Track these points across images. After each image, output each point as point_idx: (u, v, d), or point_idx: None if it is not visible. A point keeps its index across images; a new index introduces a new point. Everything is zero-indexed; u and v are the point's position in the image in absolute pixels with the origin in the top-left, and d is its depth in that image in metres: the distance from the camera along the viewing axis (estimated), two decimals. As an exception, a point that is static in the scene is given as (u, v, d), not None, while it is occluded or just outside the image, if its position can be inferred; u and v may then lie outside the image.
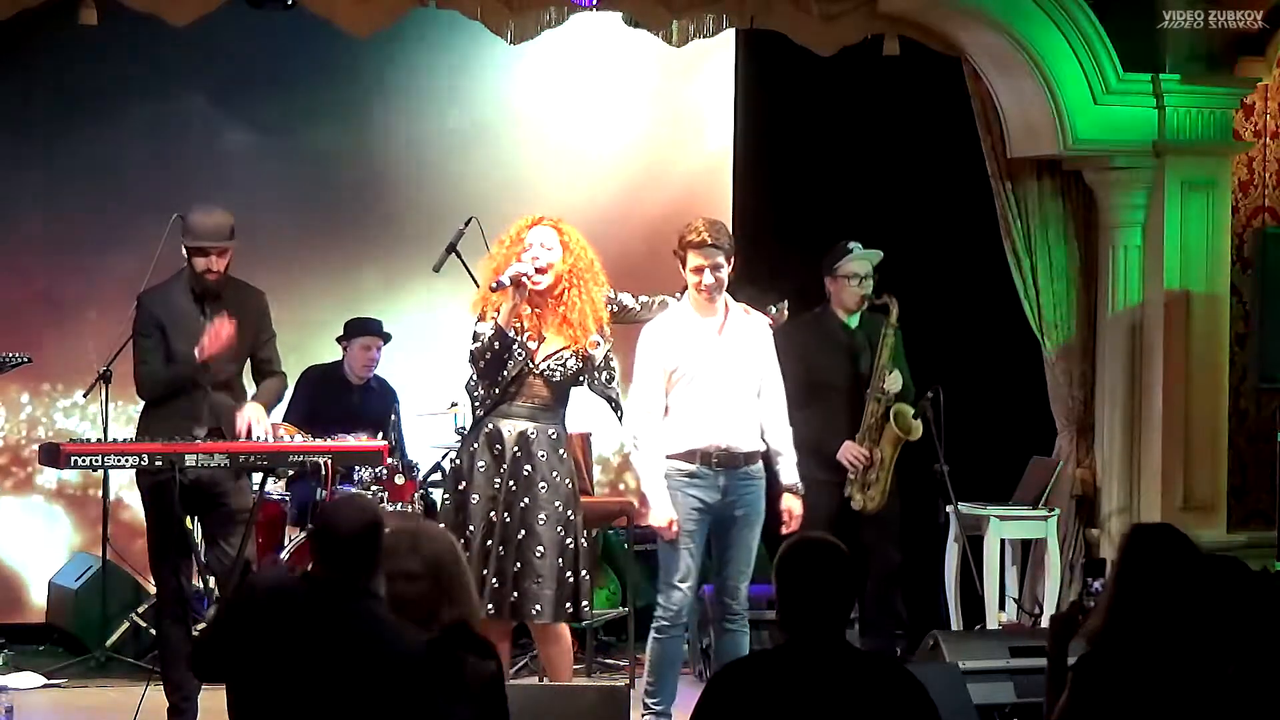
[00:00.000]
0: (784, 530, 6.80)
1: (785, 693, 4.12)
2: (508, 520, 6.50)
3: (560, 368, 6.56)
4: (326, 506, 4.94)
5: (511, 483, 6.52)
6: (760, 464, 6.86)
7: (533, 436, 6.55)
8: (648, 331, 6.80)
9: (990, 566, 8.50)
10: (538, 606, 6.49)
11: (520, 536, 6.49)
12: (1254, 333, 8.77)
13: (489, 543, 6.48)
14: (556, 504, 6.56)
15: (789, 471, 6.87)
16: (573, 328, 6.54)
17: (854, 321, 7.72)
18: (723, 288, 6.77)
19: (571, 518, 6.59)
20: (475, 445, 6.59)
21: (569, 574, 6.55)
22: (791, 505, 6.85)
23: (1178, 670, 4.31)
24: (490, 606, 6.42)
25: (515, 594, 6.46)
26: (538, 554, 6.50)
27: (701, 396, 6.77)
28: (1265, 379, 8.75)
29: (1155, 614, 4.34)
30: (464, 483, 6.58)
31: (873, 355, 7.64)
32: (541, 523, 6.52)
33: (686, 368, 6.77)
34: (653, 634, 6.86)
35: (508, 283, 6.46)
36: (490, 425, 6.57)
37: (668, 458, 6.76)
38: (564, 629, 6.69)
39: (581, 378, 6.60)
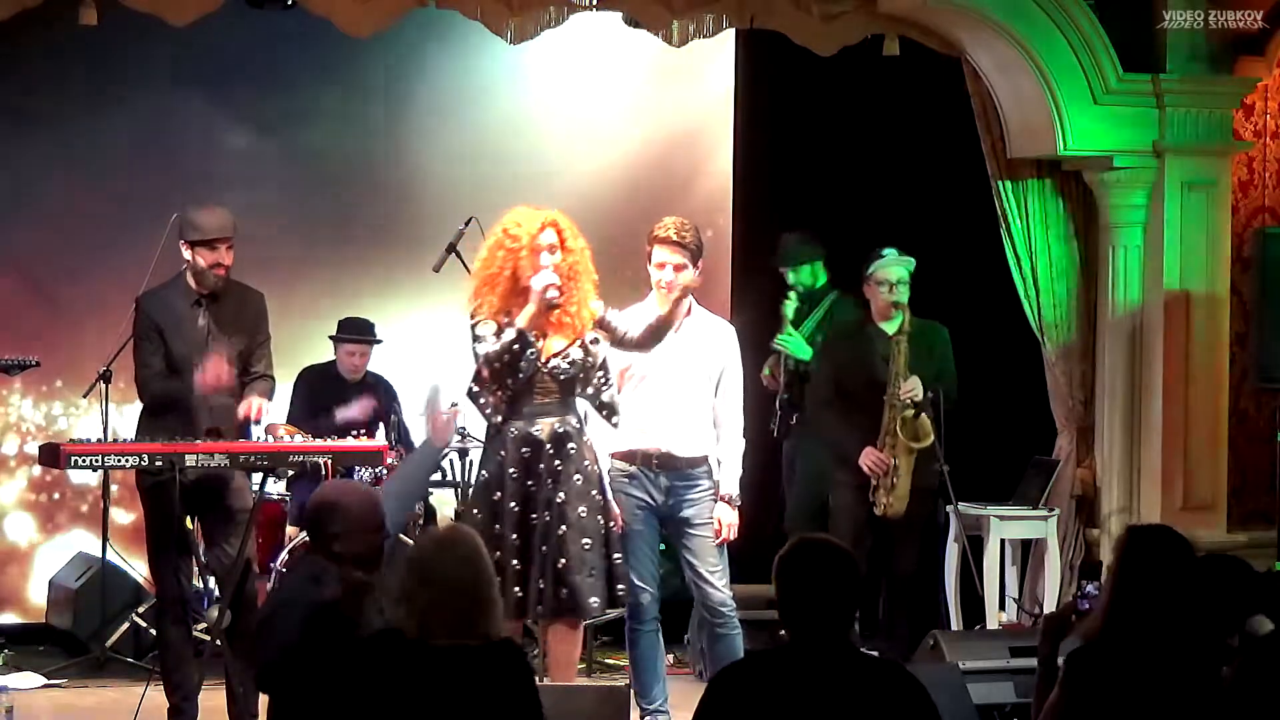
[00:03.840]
0: (716, 541, 6.83)
1: (787, 694, 4.12)
2: (548, 519, 6.44)
3: (568, 365, 6.52)
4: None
5: (549, 480, 6.46)
6: (706, 468, 6.86)
7: (561, 430, 6.51)
8: (621, 320, 6.72)
9: (990, 566, 8.50)
10: (594, 600, 6.47)
11: (561, 531, 6.43)
12: (1254, 333, 8.77)
13: (530, 546, 6.42)
14: (593, 492, 6.53)
15: (728, 481, 6.88)
16: (573, 319, 6.52)
17: (891, 329, 7.71)
18: (683, 290, 6.74)
19: (603, 504, 6.58)
20: (503, 452, 6.50)
21: (606, 561, 6.54)
22: (722, 514, 6.85)
23: (1172, 669, 4.32)
24: (540, 607, 6.41)
25: (565, 590, 6.41)
26: (585, 546, 6.45)
27: (649, 398, 6.79)
28: (1265, 379, 8.74)
29: (1152, 614, 4.34)
30: (499, 493, 6.48)
31: (915, 361, 7.64)
32: (582, 515, 6.48)
33: (638, 368, 6.78)
34: (626, 635, 6.90)
35: (552, 296, 6.40)
36: (515, 429, 6.49)
37: (611, 456, 6.79)
38: (580, 628, 6.68)
39: (582, 377, 6.56)
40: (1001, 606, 8.50)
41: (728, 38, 9.22)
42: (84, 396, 8.55)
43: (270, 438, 7.65)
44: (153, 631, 8.10)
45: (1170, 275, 8.66)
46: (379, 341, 9.00)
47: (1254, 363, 8.79)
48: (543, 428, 6.50)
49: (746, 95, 9.77)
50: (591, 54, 9.67)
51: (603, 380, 6.58)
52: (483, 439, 6.95)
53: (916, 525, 7.71)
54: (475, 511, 6.58)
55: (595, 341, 6.56)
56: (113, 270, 8.78)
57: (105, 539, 8.53)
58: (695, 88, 9.91)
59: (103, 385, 8.22)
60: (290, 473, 7.96)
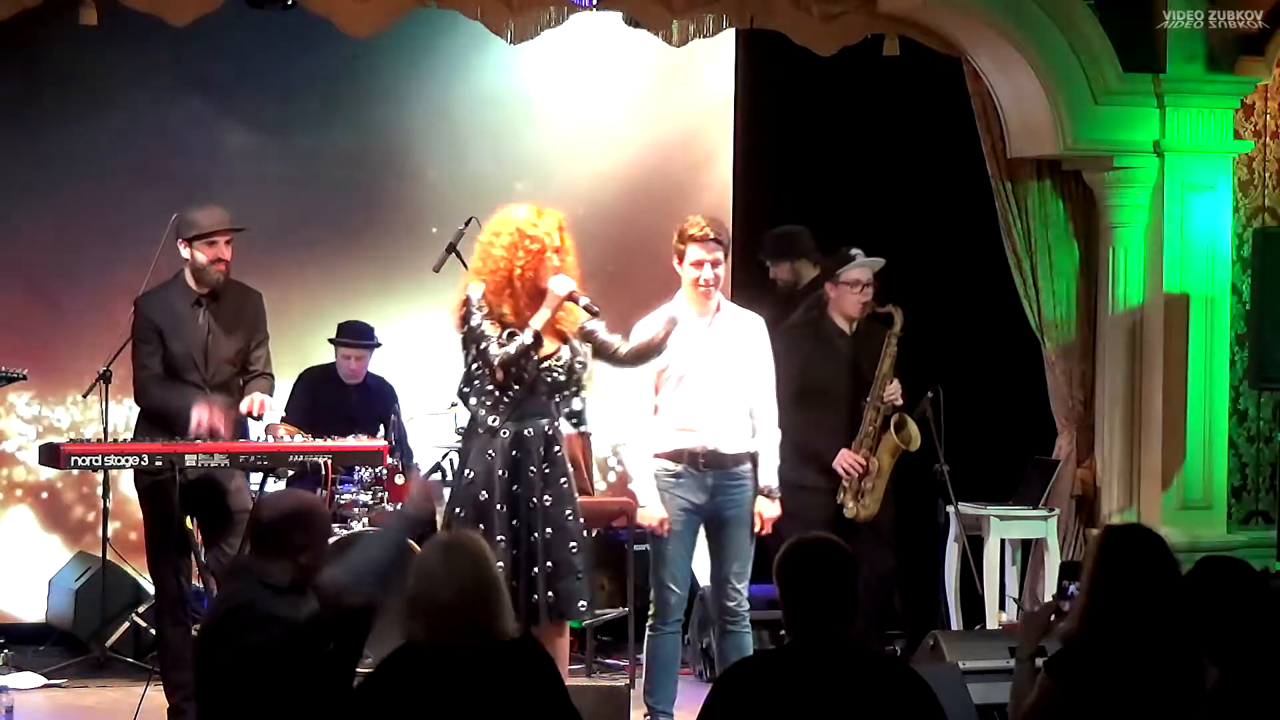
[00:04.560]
0: (757, 533, 6.83)
1: (792, 692, 4.13)
2: (532, 522, 6.37)
3: (559, 368, 6.46)
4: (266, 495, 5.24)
5: (540, 483, 6.39)
6: (749, 464, 6.86)
7: (550, 433, 6.45)
8: (640, 328, 6.68)
9: (990, 566, 8.50)
10: (583, 603, 6.41)
11: (548, 535, 6.37)
12: (1254, 333, 8.77)
13: (516, 549, 6.34)
14: (576, 496, 6.51)
15: (767, 473, 6.87)
16: (564, 325, 6.44)
17: (851, 328, 7.68)
18: (719, 284, 6.76)
19: (579, 508, 6.55)
20: (492, 453, 6.39)
21: (593, 562, 6.54)
22: (763, 508, 6.84)
23: (1153, 669, 4.31)
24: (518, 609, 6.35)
25: (553, 594, 6.35)
26: (572, 550, 6.39)
27: (690, 397, 6.77)
28: (1265, 379, 8.74)
29: (1130, 614, 4.33)
30: (484, 493, 6.38)
31: (869, 362, 7.59)
32: (568, 518, 6.41)
33: (676, 367, 6.75)
34: (646, 633, 6.89)
35: (585, 303, 6.34)
36: (507, 430, 6.38)
37: (655, 457, 6.77)
38: (566, 629, 6.66)
39: (564, 380, 6.47)
40: (1001, 606, 8.51)
41: (728, 38, 9.22)
42: (84, 396, 8.55)
43: (270, 438, 7.65)
44: (153, 632, 8.10)
45: (1170, 275, 8.67)
46: (378, 345, 9.00)
47: (1254, 363, 8.79)
48: (533, 430, 6.42)
49: (746, 95, 9.77)
50: (591, 54, 9.67)
51: (577, 388, 6.52)
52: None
53: (885, 527, 7.65)
54: (459, 512, 6.41)
55: (584, 356, 6.52)
56: (113, 270, 8.78)
57: (105, 539, 8.53)
58: (695, 88, 9.91)
59: (103, 385, 8.23)
60: (290, 473, 7.96)
